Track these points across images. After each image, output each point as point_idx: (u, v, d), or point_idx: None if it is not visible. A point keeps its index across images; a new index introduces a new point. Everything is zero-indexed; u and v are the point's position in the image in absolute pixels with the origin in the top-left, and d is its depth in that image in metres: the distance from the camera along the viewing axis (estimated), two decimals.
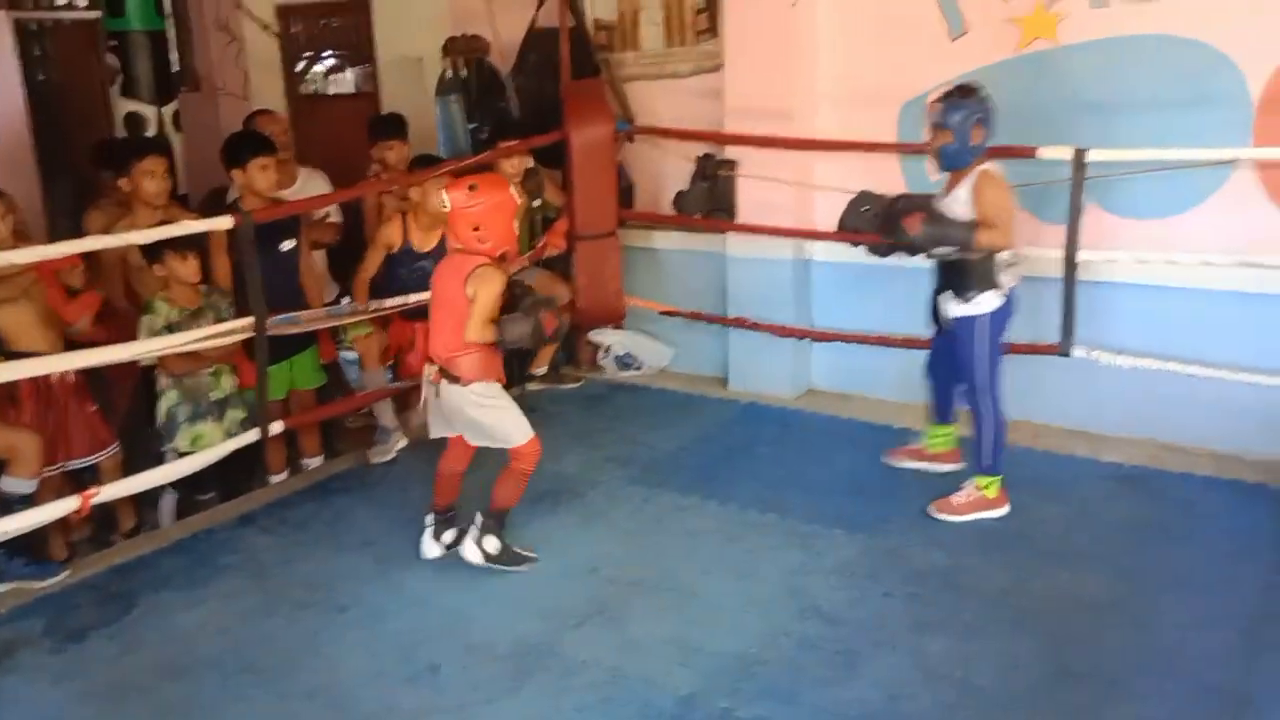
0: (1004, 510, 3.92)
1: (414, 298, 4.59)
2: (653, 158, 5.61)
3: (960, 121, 3.68)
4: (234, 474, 4.54)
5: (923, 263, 4.76)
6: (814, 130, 5.03)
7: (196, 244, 4.12)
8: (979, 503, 3.92)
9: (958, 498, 3.94)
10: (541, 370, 5.64)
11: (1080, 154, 4.16)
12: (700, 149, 5.41)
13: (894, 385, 5.06)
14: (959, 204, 3.78)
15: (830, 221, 4.95)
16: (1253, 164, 4.20)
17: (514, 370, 5.60)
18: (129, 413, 4.57)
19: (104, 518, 4.30)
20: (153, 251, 4.05)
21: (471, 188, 3.36)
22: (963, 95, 3.71)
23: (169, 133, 5.77)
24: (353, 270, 4.79)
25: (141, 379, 4.53)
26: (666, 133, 5.44)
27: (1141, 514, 3.96)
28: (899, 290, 4.94)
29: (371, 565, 3.77)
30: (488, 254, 3.39)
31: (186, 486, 4.42)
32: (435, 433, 3.63)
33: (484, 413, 3.50)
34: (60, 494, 3.75)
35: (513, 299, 3.49)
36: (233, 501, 4.47)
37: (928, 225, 3.69)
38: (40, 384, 3.94)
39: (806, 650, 3.15)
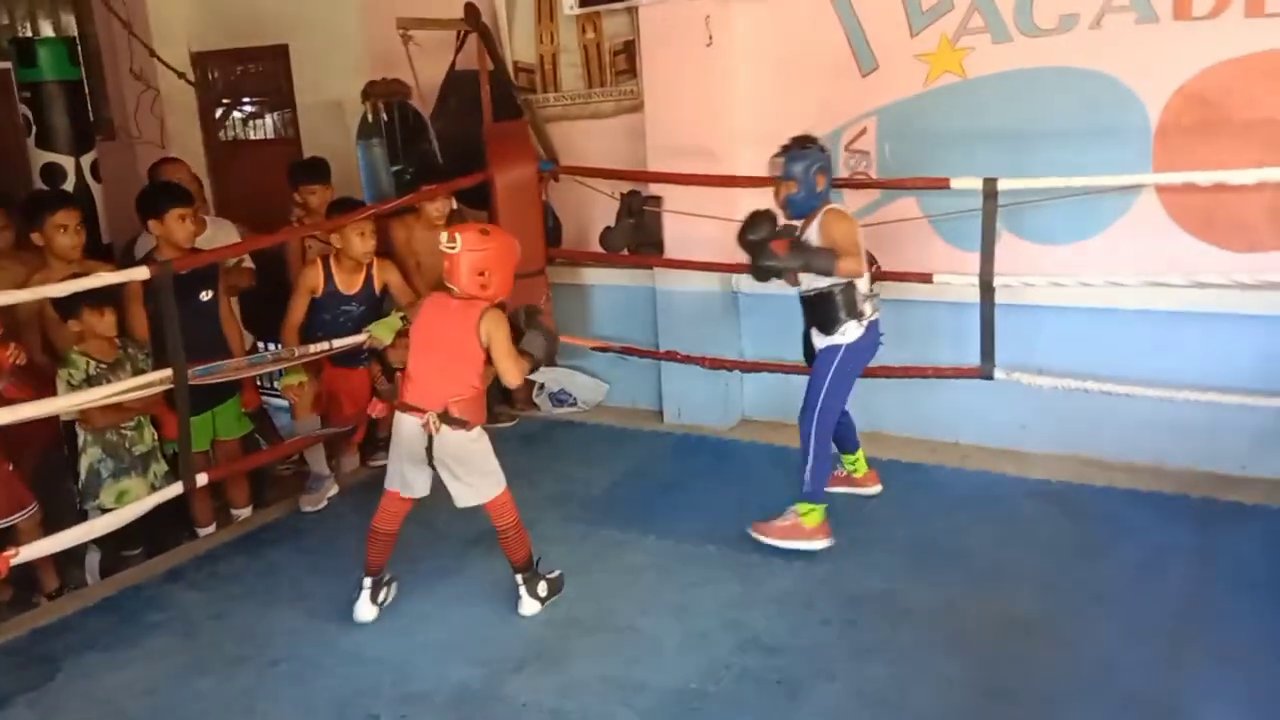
0: (824, 543, 3.93)
1: (338, 343, 4.55)
2: (578, 196, 5.65)
3: (803, 171, 3.87)
4: (161, 529, 4.43)
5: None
6: (736, 166, 5.10)
7: (112, 297, 4.06)
8: (796, 530, 3.94)
9: (778, 522, 3.98)
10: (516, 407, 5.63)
11: (991, 184, 4.27)
12: (625, 186, 5.47)
13: None
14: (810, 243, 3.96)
15: None
16: (1154, 188, 4.37)
17: (496, 400, 5.57)
18: (45, 470, 4.44)
19: (25, 580, 4.17)
20: (67, 306, 3.97)
21: (484, 232, 3.43)
22: (801, 147, 3.91)
23: (89, 182, 5.66)
24: (269, 316, 4.73)
25: (60, 435, 4.42)
26: (590, 171, 5.49)
27: (1067, 530, 4.06)
28: None
29: (304, 619, 3.70)
30: (489, 300, 3.42)
31: (112, 543, 4.30)
32: (413, 490, 3.55)
33: (483, 459, 3.52)
34: None
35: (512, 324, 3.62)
36: (160, 557, 4.36)
37: (793, 250, 3.83)
38: None
39: (747, 683, 3.17)
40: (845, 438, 4.34)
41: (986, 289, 4.38)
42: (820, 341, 3.99)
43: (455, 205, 5.27)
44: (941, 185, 4.44)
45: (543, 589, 3.63)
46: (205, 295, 4.39)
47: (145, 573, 4.21)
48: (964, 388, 4.64)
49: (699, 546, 4.05)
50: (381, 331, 4.61)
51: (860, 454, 4.42)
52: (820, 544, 3.92)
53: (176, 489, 4.07)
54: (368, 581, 3.63)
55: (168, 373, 3.95)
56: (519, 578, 3.62)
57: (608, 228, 5.54)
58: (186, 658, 3.49)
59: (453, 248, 3.35)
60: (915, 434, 5.01)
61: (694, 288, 5.28)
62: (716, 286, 5.28)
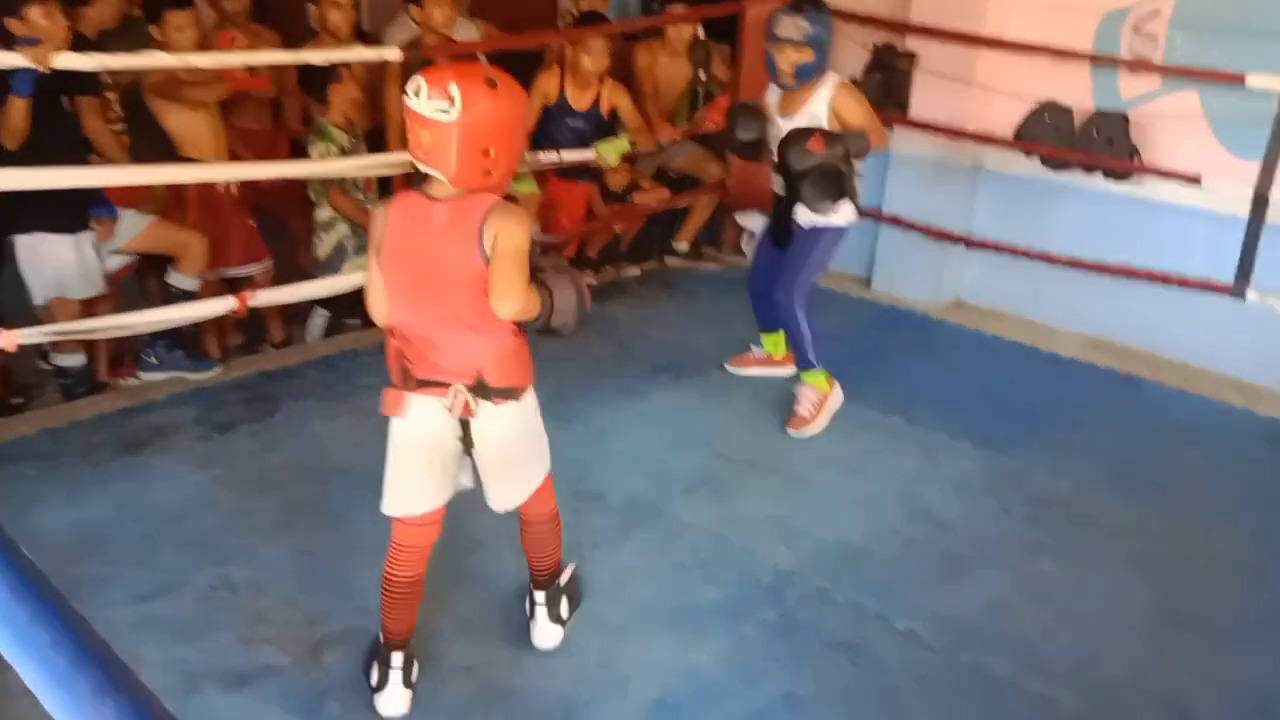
0: (838, 392, 3.87)
1: (567, 154, 4.62)
2: None
3: (820, 35, 3.50)
4: None
5: (1099, 184, 4.57)
6: (1005, 31, 4.75)
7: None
8: (820, 399, 3.84)
9: (803, 408, 3.83)
10: (684, 246, 5.63)
11: None
12: (879, 38, 5.19)
13: (1050, 307, 4.87)
14: (813, 120, 3.57)
15: (1010, 129, 4.75)
16: None
17: (656, 242, 5.62)
18: (287, 235, 4.79)
19: (256, 329, 4.55)
20: (327, 75, 4.16)
21: (491, 84, 2.11)
22: (817, 6, 3.52)
23: None
24: None
25: (304, 205, 4.73)
26: (848, 16, 5.22)
27: None
28: (1069, 208, 4.74)
29: None
30: (493, 189, 2.20)
31: (337, 310, 4.63)
32: (440, 498, 2.41)
33: (537, 437, 2.48)
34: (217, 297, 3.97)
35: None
36: (376, 329, 4.64)
37: (831, 143, 3.48)
38: (206, 192, 4.14)
39: (911, 550, 3.14)
40: (771, 317, 4.09)
41: (1260, 202, 3.98)
42: (809, 219, 3.70)
43: (701, 35, 5.15)
44: (1235, 80, 4.00)
45: (564, 609, 2.69)
46: None
47: (362, 340, 4.51)
48: (1208, 306, 4.29)
49: (885, 416, 3.98)
50: (608, 151, 4.64)
51: (781, 334, 4.18)
52: (838, 392, 3.88)
53: None
54: (396, 660, 2.43)
55: (407, 155, 4.12)
56: (539, 595, 2.65)
57: (853, 79, 5.30)
58: (389, 420, 3.74)
59: (446, 111, 2.05)
60: (1142, 346, 4.67)
61: (932, 155, 5.02)
62: (958, 157, 5.00)
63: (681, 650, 2.66)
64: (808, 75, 3.54)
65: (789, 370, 4.18)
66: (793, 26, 3.47)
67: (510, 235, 2.15)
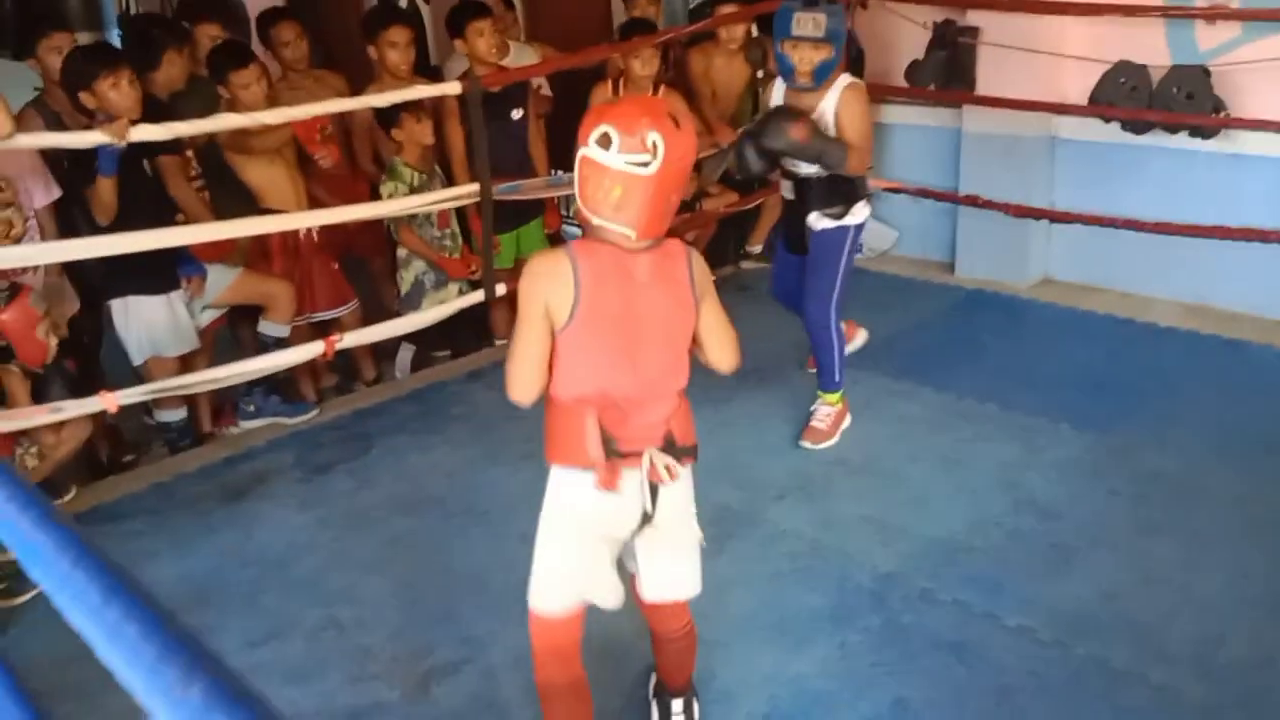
0: (848, 418, 3.74)
1: None
2: (886, 25, 5.30)
3: (838, 28, 3.29)
4: (464, 336, 4.79)
5: (1184, 143, 4.39)
6: None
7: (431, 113, 4.29)
8: (838, 415, 3.71)
9: (819, 422, 3.68)
10: (757, 248, 5.58)
11: None
12: (938, 15, 5.08)
13: (1142, 276, 4.70)
14: (823, 124, 3.37)
15: (1083, 95, 4.60)
16: None
17: (730, 246, 5.58)
18: (369, 275, 4.89)
19: (348, 369, 4.66)
20: (390, 117, 4.24)
21: (675, 122, 1.90)
22: (831, 1, 3.31)
23: (418, 4, 5.95)
24: (564, 142, 4.83)
25: (385, 244, 4.82)
26: None
27: None
28: (1154, 171, 4.56)
29: None
30: (667, 232, 2.01)
31: (423, 345, 4.71)
32: (610, 597, 2.12)
33: (691, 504, 2.19)
34: (307, 342, 4.08)
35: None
36: (463, 359, 4.72)
37: (815, 136, 3.28)
38: (289, 240, 4.25)
39: (1017, 542, 3.05)
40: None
41: None
42: (824, 224, 3.52)
43: (756, 33, 5.11)
44: None
45: (697, 710, 2.39)
46: (516, 114, 4.55)
47: (449, 371, 4.59)
48: None
49: (979, 404, 3.87)
50: None
51: None
52: (848, 417, 3.74)
53: (479, 296, 4.36)
54: None
55: (475, 187, 4.18)
56: (676, 704, 2.36)
57: (915, 60, 5.19)
58: (481, 449, 3.80)
59: (645, 165, 1.84)
60: (1246, 308, 4.46)
61: (1005, 130, 4.88)
62: (1032, 130, 4.85)
63: (786, 660, 2.63)
64: (826, 75, 3.36)
65: (859, 341, 4.08)
66: (811, 23, 3.29)
67: (711, 283, 2.05)
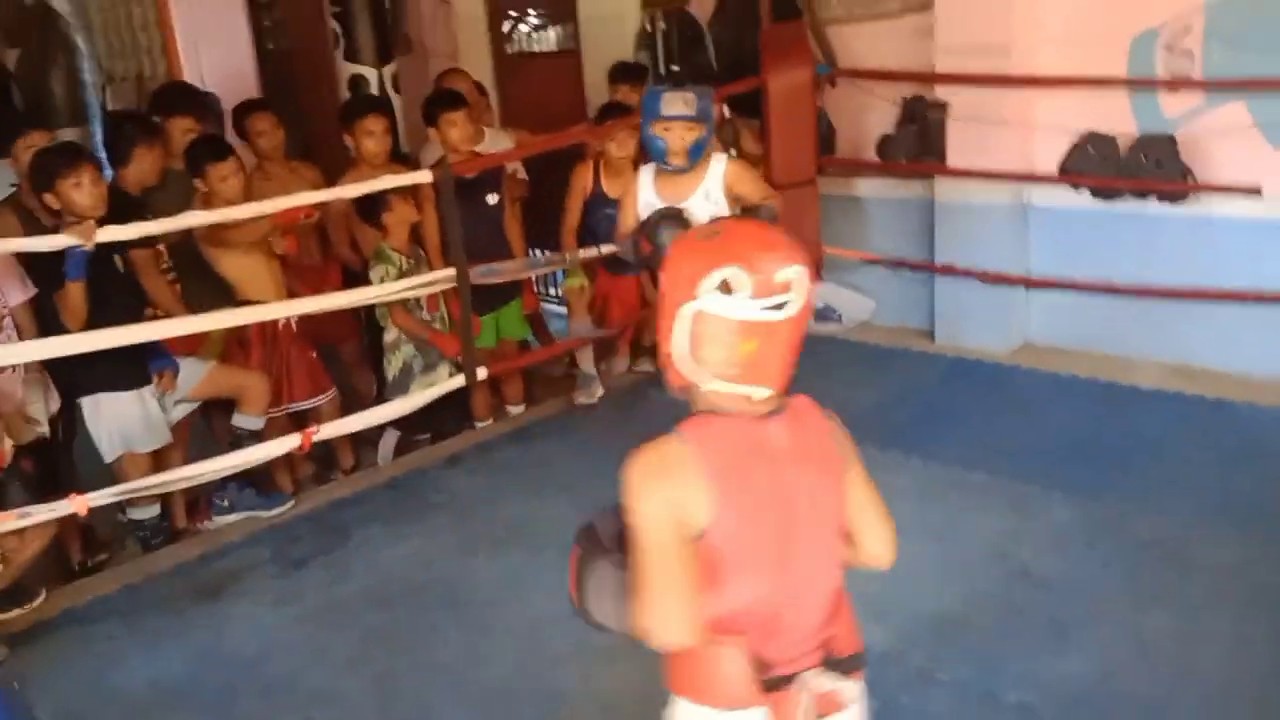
0: None
1: (606, 247, 4.63)
2: (856, 102, 5.38)
3: (708, 108, 3.32)
4: (445, 419, 4.73)
5: (1155, 208, 4.43)
6: (1034, 67, 4.67)
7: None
8: None
9: None
10: None
11: None
12: (907, 92, 5.16)
13: (1124, 339, 4.69)
14: (710, 201, 3.36)
15: (1053, 163, 4.65)
16: None
17: None
18: (348, 362, 4.84)
19: (326, 458, 4.58)
20: (370, 207, 4.24)
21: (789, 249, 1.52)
22: (696, 83, 3.44)
23: (389, 93, 6.00)
24: (539, 223, 4.86)
25: (361, 331, 4.78)
26: (871, 75, 5.21)
27: None
28: (1128, 237, 4.60)
29: (568, 508, 3.82)
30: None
31: (404, 429, 4.64)
32: None
33: None
34: (284, 434, 4.01)
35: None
36: (442, 444, 4.66)
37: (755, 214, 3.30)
38: (267, 330, 4.20)
39: (1012, 615, 2.98)
40: None
41: None
42: None
43: (728, 114, 5.18)
44: None
45: None
46: (491, 199, 4.56)
47: (429, 457, 4.52)
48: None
49: (967, 473, 3.83)
50: (570, 283, 4.67)
51: None
52: None
53: (459, 381, 4.32)
54: None
55: (452, 271, 4.17)
56: None
57: (886, 135, 5.26)
58: (460, 536, 3.72)
59: (780, 308, 1.45)
60: (1227, 368, 4.45)
61: (978, 200, 4.92)
62: (1004, 199, 4.89)
63: None
64: (699, 153, 3.35)
65: None
66: (681, 101, 3.28)
67: (854, 447, 1.63)
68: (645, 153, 3.58)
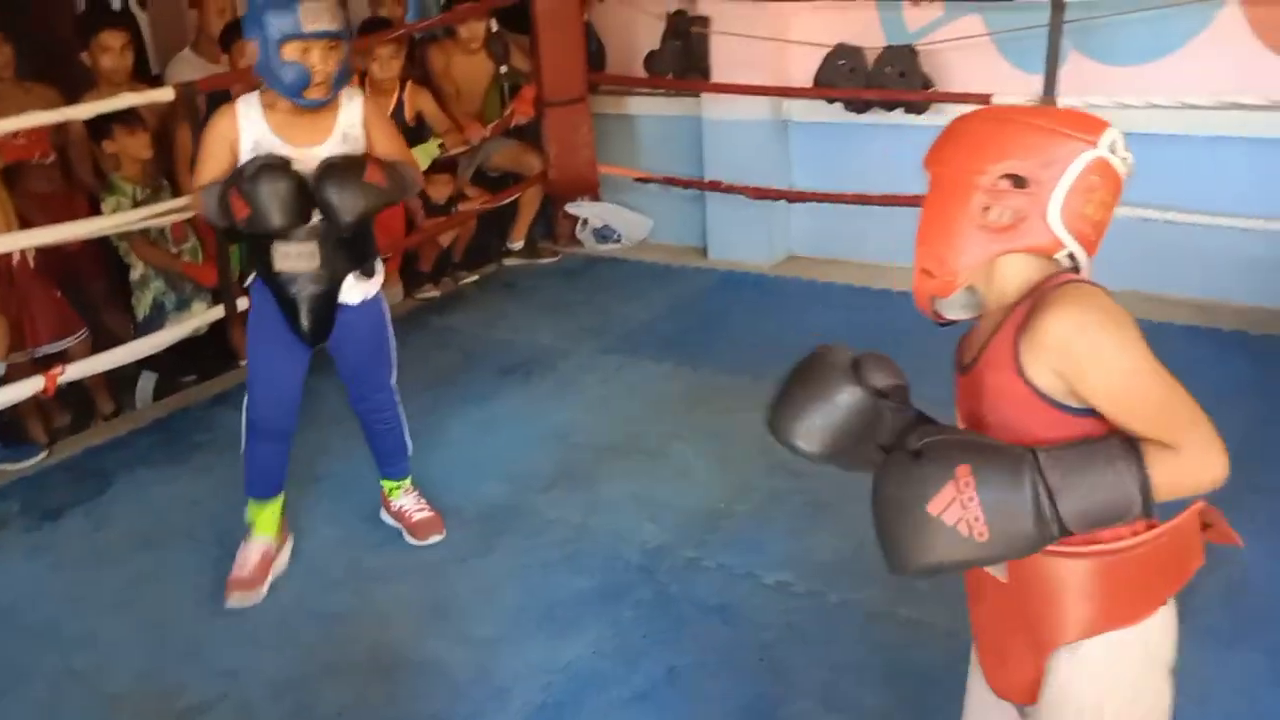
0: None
1: None
2: (623, 18, 5.41)
3: (351, 24, 2.72)
4: (209, 357, 4.51)
5: (900, 119, 4.68)
6: None
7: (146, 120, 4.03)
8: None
9: (414, 515, 3.10)
10: (518, 244, 5.57)
11: None
12: (672, 6, 5.22)
13: (876, 247, 4.97)
14: (351, 144, 2.65)
15: (808, 78, 4.84)
16: (1239, 1, 4.03)
17: (491, 245, 5.54)
18: (98, 302, 4.53)
19: (84, 404, 4.29)
20: (101, 128, 3.95)
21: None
22: None
23: (133, 9, 5.58)
24: None
25: (107, 267, 4.47)
26: None
27: None
28: (877, 148, 4.84)
29: (341, 440, 3.73)
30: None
31: (166, 371, 4.40)
32: None
33: None
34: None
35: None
36: (208, 383, 4.45)
37: (392, 176, 2.61)
38: (1, 265, 3.87)
39: (774, 503, 3.17)
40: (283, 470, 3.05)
41: None
42: (358, 295, 2.79)
43: (496, 27, 5.09)
44: None
45: None
46: None
47: (193, 397, 4.31)
48: None
49: (734, 377, 4.01)
50: (418, 156, 4.53)
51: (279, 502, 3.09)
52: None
53: (218, 312, 4.13)
54: None
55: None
56: None
57: (652, 52, 5.32)
58: (229, 473, 3.56)
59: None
60: None
61: (742, 116, 5.08)
62: (766, 114, 5.07)
63: (558, 647, 2.62)
64: (344, 83, 2.59)
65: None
66: (328, 15, 2.46)
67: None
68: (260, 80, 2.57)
